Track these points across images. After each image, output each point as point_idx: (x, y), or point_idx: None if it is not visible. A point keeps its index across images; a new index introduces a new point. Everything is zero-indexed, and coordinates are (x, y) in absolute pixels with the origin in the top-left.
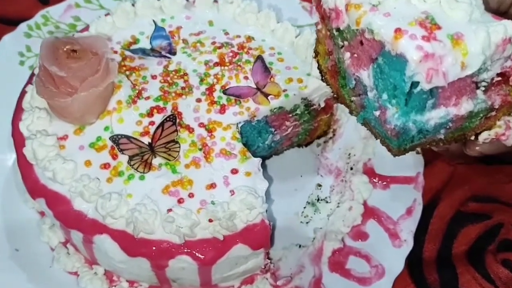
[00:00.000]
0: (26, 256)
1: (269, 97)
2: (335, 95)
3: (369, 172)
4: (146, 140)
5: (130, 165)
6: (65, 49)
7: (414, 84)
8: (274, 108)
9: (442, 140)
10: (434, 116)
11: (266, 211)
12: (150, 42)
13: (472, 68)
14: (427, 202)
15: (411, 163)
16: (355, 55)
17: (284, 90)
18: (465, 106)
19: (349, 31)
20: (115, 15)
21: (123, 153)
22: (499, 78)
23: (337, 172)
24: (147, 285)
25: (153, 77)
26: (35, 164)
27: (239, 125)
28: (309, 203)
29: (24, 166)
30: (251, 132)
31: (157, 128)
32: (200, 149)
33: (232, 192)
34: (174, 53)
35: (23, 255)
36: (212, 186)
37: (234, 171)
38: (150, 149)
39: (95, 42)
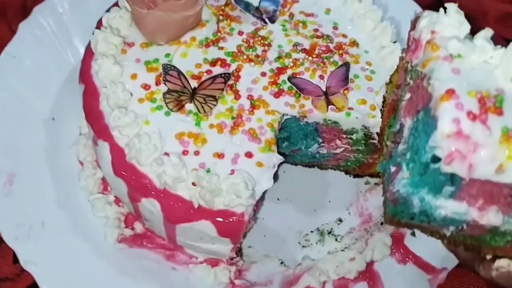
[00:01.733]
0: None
1: (329, 107)
2: (378, 131)
3: (397, 238)
4: (194, 83)
5: (164, 97)
6: None
7: (435, 159)
8: (328, 120)
9: (449, 238)
10: (448, 206)
11: (255, 209)
12: (260, 1)
13: (510, 178)
14: None
15: (443, 254)
16: (412, 99)
17: (350, 108)
18: (491, 217)
19: (415, 70)
20: None
21: (165, 84)
22: None
23: (367, 219)
24: (127, 210)
25: (240, 33)
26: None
27: (284, 117)
28: (318, 230)
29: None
30: (297, 131)
31: (209, 78)
32: (233, 118)
33: (232, 171)
34: (273, 22)
35: None
36: (220, 155)
37: (248, 154)
38: (191, 93)
39: None
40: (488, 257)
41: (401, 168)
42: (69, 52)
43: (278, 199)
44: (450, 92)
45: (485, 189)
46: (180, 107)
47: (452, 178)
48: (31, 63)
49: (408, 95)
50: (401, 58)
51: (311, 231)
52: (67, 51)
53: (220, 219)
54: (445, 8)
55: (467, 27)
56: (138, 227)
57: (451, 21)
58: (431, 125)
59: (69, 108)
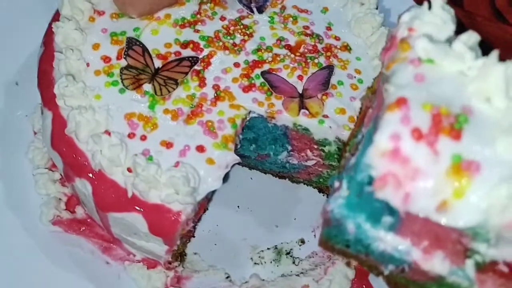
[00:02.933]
0: None
1: (302, 111)
2: (346, 141)
3: (361, 272)
4: (158, 63)
5: (121, 73)
6: None
7: (371, 180)
8: (299, 125)
9: (388, 277)
10: (387, 240)
11: (198, 211)
12: None
13: (455, 220)
14: None
15: None
16: (375, 106)
17: (325, 116)
18: (436, 264)
19: (383, 72)
20: None
21: (126, 58)
22: (506, 269)
23: None
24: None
25: (222, 18)
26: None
27: (251, 115)
28: (276, 248)
29: None
30: (265, 133)
31: (175, 60)
32: (192, 107)
33: (177, 163)
34: (261, 12)
35: None
36: (168, 144)
37: (200, 148)
38: (152, 73)
39: None
40: None
41: (341, 184)
42: (47, 17)
43: (238, 206)
44: (401, 102)
45: (430, 229)
46: (137, 85)
47: (390, 207)
48: (3, 24)
49: (376, 102)
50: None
51: (268, 248)
52: (44, 16)
53: (154, 214)
54: (430, 3)
55: (451, 27)
56: (79, 211)
57: (433, 18)
58: (370, 138)
59: (36, 75)
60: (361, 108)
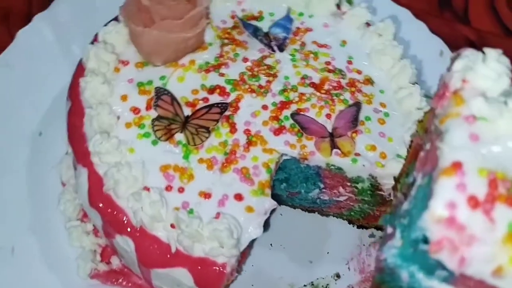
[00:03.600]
0: None
1: (334, 150)
2: (396, 178)
3: None
4: (187, 111)
5: (152, 124)
6: None
7: (426, 239)
8: (332, 165)
9: None
10: None
11: (240, 261)
12: (270, 27)
13: (509, 284)
14: None
15: None
16: (428, 154)
17: (357, 154)
18: None
19: (438, 126)
20: None
21: (156, 109)
22: None
23: (368, 277)
24: (105, 242)
25: (245, 59)
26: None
27: (283, 158)
28: (312, 284)
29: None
30: (296, 173)
31: (205, 107)
32: (226, 154)
33: (217, 215)
34: (282, 50)
35: None
36: (206, 195)
37: (238, 197)
38: (183, 122)
39: None
40: None
41: (395, 233)
42: (67, 64)
43: (271, 245)
44: (456, 166)
45: (485, 286)
46: (169, 136)
47: (444, 266)
48: (24, 73)
49: (428, 145)
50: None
51: (304, 285)
52: (64, 63)
53: (199, 268)
54: (484, 53)
55: (506, 80)
56: (115, 262)
57: (488, 72)
58: (426, 199)
59: (59, 124)
60: (410, 145)
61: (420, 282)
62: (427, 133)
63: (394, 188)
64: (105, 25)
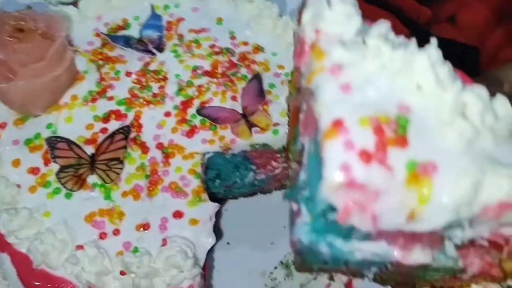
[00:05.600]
0: None
1: (253, 129)
2: (285, 146)
3: None
4: (90, 150)
5: (58, 178)
6: (11, 26)
7: (332, 208)
8: (256, 144)
9: (374, 278)
10: (364, 249)
11: (204, 275)
12: (141, 31)
13: (427, 225)
14: None
15: None
16: (307, 115)
17: (275, 124)
18: (418, 256)
19: (305, 85)
20: None
21: (55, 161)
22: (486, 243)
23: None
24: None
25: (128, 74)
26: None
27: (206, 156)
28: (282, 263)
29: None
30: (225, 165)
31: (106, 138)
32: (147, 177)
33: (164, 241)
34: (162, 50)
35: None
36: (144, 227)
37: (177, 215)
38: (90, 162)
39: (52, 22)
40: None
41: (301, 210)
42: None
43: (228, 243)
44: (337, 125)
45: (403, 231)
46: (81, 183)
47: None
48: None
49: (304, 105)
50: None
51: (275, 268)
52: None
53: None
54: None
55: (357, 19)
56: None
57: (336, 16)
58: (319, 169)
59: None
60: (288, 109)
61: (341, 249)
62: (299, 93)
63: (286, 157)
64: None
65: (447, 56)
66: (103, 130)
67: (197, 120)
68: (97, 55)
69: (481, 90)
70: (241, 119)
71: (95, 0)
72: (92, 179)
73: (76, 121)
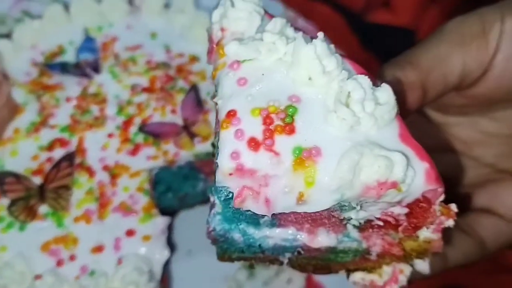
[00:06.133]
0: None
1: (195, 139)
2: (213, 143)
3: None
4: (38, 180)
5: (10, 212)
6: None
7: (232, 194)
8: (200, 154)
9: (291, 264)
10: (274, 235)
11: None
12: (77, 55)
13: (316, 206)
14: None
15: None
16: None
17: (216, 132)
18: (323, 240)
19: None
20: (44, 18)
21: (5, 196)
22: (381, 223)
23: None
24: None
25: (68, 100)
26: None
27: (153, 172)
28: (245, 265)
29: None
30: (174, 178)
31: (53, 167)
32: (97, 200)
33: (119, 261)
34: (99, 72)
35: None
36: (99, 249)
37: (129, 233)
38: (39, 193)
39: None
40: (342, 273)
41: (215, 201)
42: None
43: (190, 250)
44: (230, 116)
45: (303, 215)
46: (33, 214)
47: None
48: None
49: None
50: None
51: (237, 269)
52: None
53: None
54: None
55: (257, 17)
56: None
57: (238, 13)
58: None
59: None
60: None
61: (253, 236)
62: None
63: (213, 155)
64: None
65: (383, 41)
66: (49, 159)
67: (140, 138)
68: (36, 85)
69: (363, 79)
70: (183, 131)
71: (28, 29)
72: (43, 208)
73: (21, 153)
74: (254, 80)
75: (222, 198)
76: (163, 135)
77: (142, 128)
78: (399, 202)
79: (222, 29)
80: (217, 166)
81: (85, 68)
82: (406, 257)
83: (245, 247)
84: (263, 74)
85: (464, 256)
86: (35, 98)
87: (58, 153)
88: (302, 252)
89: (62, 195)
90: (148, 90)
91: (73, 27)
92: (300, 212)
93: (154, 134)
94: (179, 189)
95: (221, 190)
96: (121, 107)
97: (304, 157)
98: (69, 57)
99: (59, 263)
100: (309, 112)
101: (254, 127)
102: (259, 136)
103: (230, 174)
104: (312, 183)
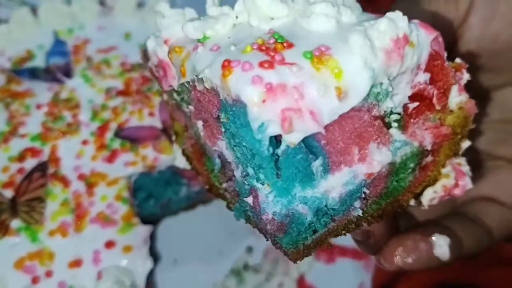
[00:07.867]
0: None
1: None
2: (207, 187)
3: None
4: (10, 193)
5: None
6: None
7: (276, 140)
8: None
9: (363, 218)
10: (334, 184)
11: None
12: (46, 60)
13: (358, 94)
14: (380, 287)
15: None
16: (207, 120)
17: None
18: (379, 157)
19: (183, 89)
20: (10, 23)
21: None
22: (417, 103)
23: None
24: None
25: (38, 107)
26: None
27: (132, 179)
28: (234, 271)
29: None
30: (155, 184)
31: (24, 179)
32: (73, 211)
33: (99, 275)
34: (70, 76)
35: None
36: (77, 263)
37: (109, 245)
38: (11, 206)
39: None
40: (412, 203)
41: (257, 189)
42: None
43: (175, 259)
44: (226, 65)
45: (346, 132)
46: (4, 229)
47: (310, 147)
48: None
49: (199, 123)
50: (166, 102)
51: (226, 276)
52: None
53: None
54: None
55: (191, 11)
56: None
57: (171, 18)
58: (239, 111)
59: None
60: (184, 154)
61: (315, 197)
62: (188, 127)
63: (216, 194)
64: None
65: None
66: (20, 170)
67: (116, 144)
68: (3, 92)
69: None
70: (162, 135)
71: None
72: (15, 223)
73: None
74: (225, 42)
75: (265, 156)
76: (141, 140)
77: (119, 133)
78: (418, 66)
79: (165, 41)
80: (241, 156)
81: (56, 73)
82: (457, 135)
83: (315, 220)
84: (229, 37)
85: (477, 244)
86: (3, 106)
87: (30, 163)
88: (367, 192)
89: (35, 207)
90: (124, 93)
91: (42, 30)
92: (345, 121)
93: (131, 138)
94: (161, 196)
95: (260, 145)
96: (96, 112)
97: (318, 56)
98: (39, 62)
99: (35, 280)
100: (292, 31)
101: (256, 57)
102: (266, 58)
103: (264, 101)
104: (340, 72)
